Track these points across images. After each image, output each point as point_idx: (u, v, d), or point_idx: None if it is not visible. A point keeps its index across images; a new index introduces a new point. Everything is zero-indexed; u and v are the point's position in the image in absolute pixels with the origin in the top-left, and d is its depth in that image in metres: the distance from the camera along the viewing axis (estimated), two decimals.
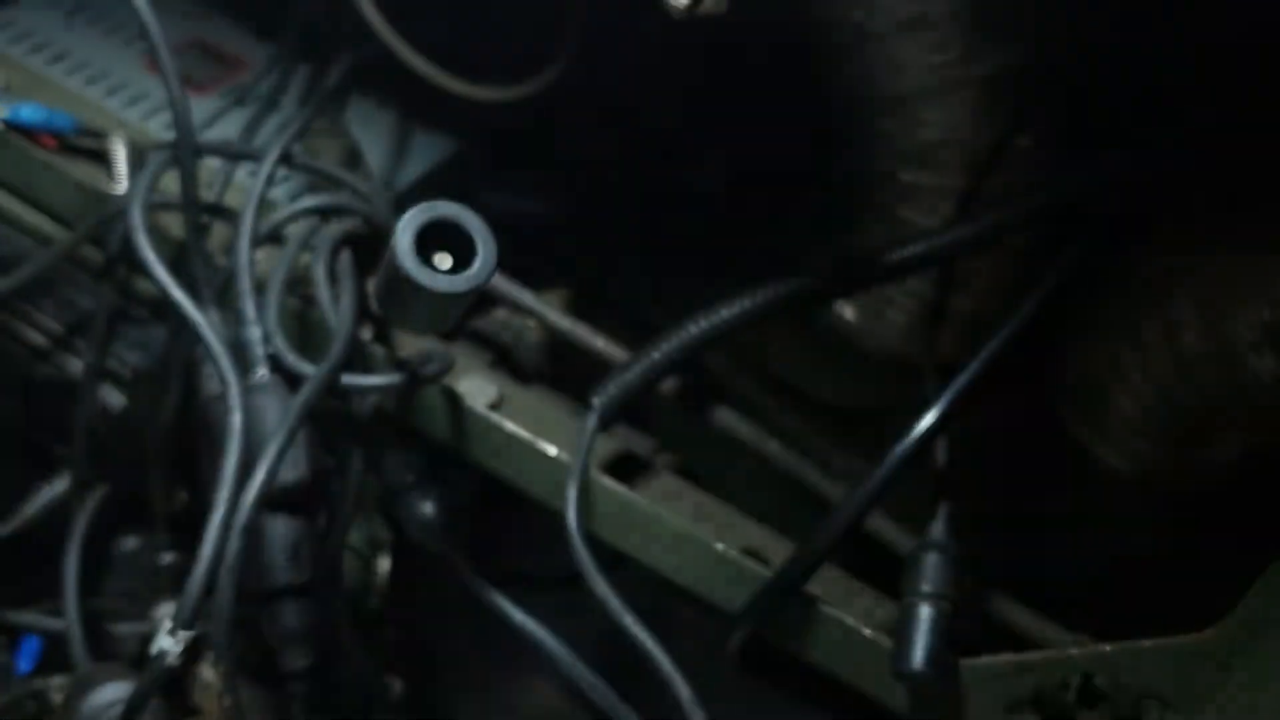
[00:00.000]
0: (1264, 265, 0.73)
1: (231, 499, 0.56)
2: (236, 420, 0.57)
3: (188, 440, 0.77)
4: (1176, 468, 0.84)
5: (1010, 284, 0.86)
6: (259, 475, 0.57)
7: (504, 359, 0.80)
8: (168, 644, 0.54)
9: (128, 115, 0.88)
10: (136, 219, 0.62)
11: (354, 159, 0.84)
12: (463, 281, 0.51)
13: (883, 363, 0.93)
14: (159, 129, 0.86)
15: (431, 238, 0.52)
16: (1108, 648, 0.57)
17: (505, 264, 0.93)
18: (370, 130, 0.90)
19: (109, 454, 0.79)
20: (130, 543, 0.87)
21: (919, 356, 0.71)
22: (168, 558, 0.84)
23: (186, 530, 0.83)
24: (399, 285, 0.51)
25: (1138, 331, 0.81)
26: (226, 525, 0.55)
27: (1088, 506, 0.89)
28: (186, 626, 0.54)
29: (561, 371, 0.82)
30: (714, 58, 0.91)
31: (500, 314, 0.82)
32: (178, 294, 0.61)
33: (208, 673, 0.76)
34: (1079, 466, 0.88)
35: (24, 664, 0.88)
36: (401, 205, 0.83)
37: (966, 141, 0.83)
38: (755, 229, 1.02)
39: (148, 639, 0.78)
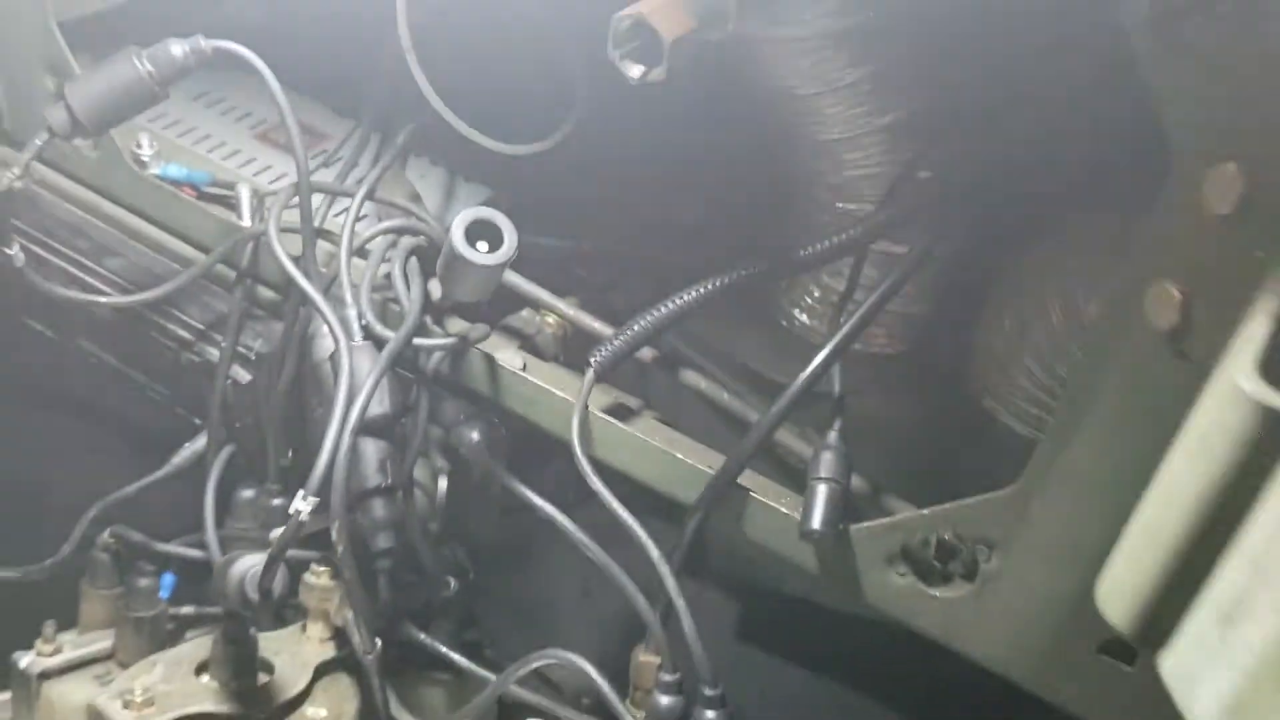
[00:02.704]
0: (1105, 264, 0.97)
1: (342, 417, 0.82)
2: (346, 364, 0.83)
3: (295, 408, 1.04)
4: None
5: (924, 290, 1.11)
6: (359, 402, 0.82)
7: (527, 345, 1.05)
8: (301, 506, 0.79)
9: (242, 173, 1.15)
10: (273, 230, 0.89)
11: (415, 199, 1.11)
12: (496, 258, 0.77)
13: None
14: (264, 183, 1.13)
15: (474, 233, 0.78)
16: (949, 506, 0.81)
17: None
18: (425, 181, 1.17)
19: (236, 419, 1.05)
20: (247, 493, 1.12)
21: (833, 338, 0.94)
22: (278, 501, 1.09)
23: (292, 481, 1.09)
24: (454, 263, 0.77)
25: (1023, 320, 1.06)
26: (339, 433, 0.81)
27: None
28: (315, 494, 0.80)
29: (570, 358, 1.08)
30: (691, 118, 1.17)
31: (524, 313, 1.07)
32: (302, 279, 0.88)
33: (312, 579, 1.02)
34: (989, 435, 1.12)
35: (161, 594, 1.13)
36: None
37: (880, 175, 1.08)
38: (729, 251, 1.28)
39: None
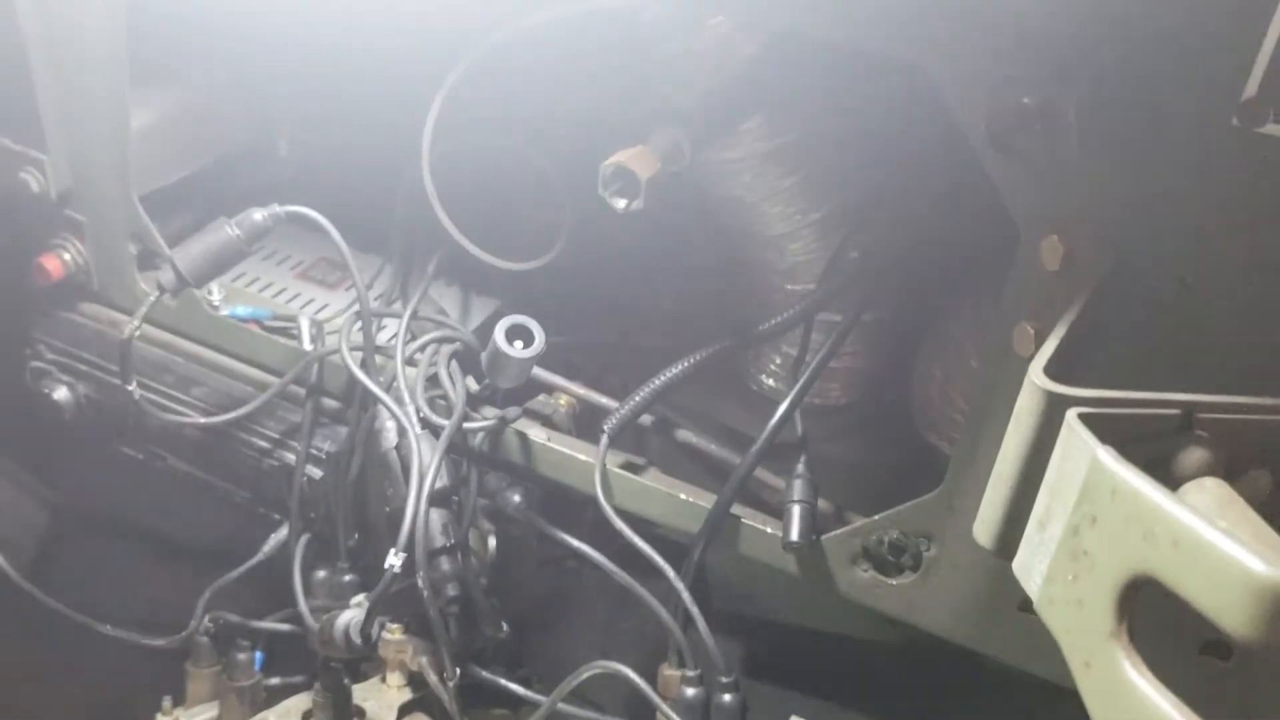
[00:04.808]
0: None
1: (418, 489, 1.06)
2: (416, 447, 1.07)
3: (359, 499, 1.28)
4: None
5: (868, 348, 1.36)
6: (429, 477, 1.07)
7: (546, 424, 1.30)
8: (394, 560, 1.03)
9: (291, 307, 1.40)
10: (345, 348, 1.14)
11: (443, 314, 1.37)
12: (531, 351, 1.03)
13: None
14: (311, 313, 1.38)
15: (512, 334, 1.03)
16: (894, 510, 1.06)
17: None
18: (444, 300, 1.43)
19: (311, 510, 1.29)
20: (320, 574, 1.35)
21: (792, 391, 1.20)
22: (348, 577, 1.32)
23: (358, 560, 1.32)
24: (498, 359, 1.03)
25: (948, 368, 1.30)
26: (418, 501, 1.05)
27: None
28: (405, 550, 1.03)
29: (580, 432, 1.32)
30: (660, 228, 1.43)
31: (540, 398, 1.32)
32: (373, 385, 1.13)
33: (388, 635, 1.24)
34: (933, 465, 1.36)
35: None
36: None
37: (818, 260, 1.34)
38: (699, 333, 1.53)
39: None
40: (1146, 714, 0.55)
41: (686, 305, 1.52)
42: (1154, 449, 0.64)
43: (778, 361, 1.44)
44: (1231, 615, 0.51)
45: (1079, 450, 0.61)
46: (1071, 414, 0.63)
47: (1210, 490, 0.63)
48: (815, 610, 1.49)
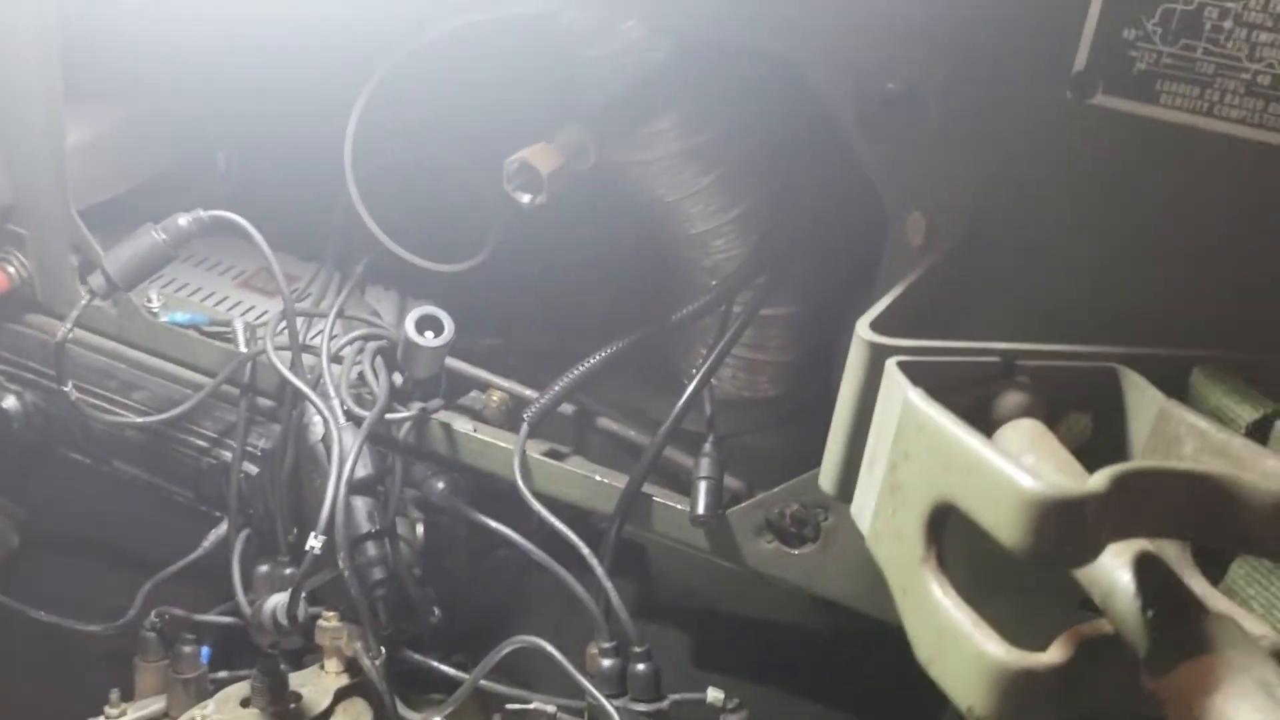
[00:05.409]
0: None
1: (338, 474, 1.11)
2: (336, 437, 1.12)
3: (296, 494, 1.33)
4: None
5: (791, 341, 1.42)
6: (349, 464, 1.12)
7: (477, 419, 1.35)
8: (314, 543, 1.08)
9: (232, 314, 1.46)
10: (270, 347, 1.19)
11: (374, 315, 1.42)
12: (440, 340, 1.08)
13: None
14: (251, 319, 1.43)
15: (423, 325, 1.09)
16: (792, 481, 1.11)
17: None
18: (381, 304, 1.48)
19: (250, 506, 1.34)
20: (263, 569, 1.40)
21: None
22: (289, 571, 1.37)
23: (298, 554, 1.37)
24: (409, 349, 1.08)
25: None
26: (338, 484, 1.10)
27: None
28: (325, 533, 1.08)
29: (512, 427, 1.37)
30: (588, 229, 1.48)
31: (473, 394, 1.38)
32: (296, 380, 1.18)
33: (324, 623, 1.29)
34: None
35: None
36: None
37: (739, 256, 1.39)
38: (631, 333, 1.58)
39: None
40: (949, 627, 0.60)
41: (618, 306, 1.57)
42: (976, 395, 0.69)
43: (704, 355, 1.49)
44: (1005, 529, 0.56)
45: (895, 394, 0.66)
46: (890, 362, 0.68)
47: (1024, 429, 0.68)
48: (750, 600, 1.54)
